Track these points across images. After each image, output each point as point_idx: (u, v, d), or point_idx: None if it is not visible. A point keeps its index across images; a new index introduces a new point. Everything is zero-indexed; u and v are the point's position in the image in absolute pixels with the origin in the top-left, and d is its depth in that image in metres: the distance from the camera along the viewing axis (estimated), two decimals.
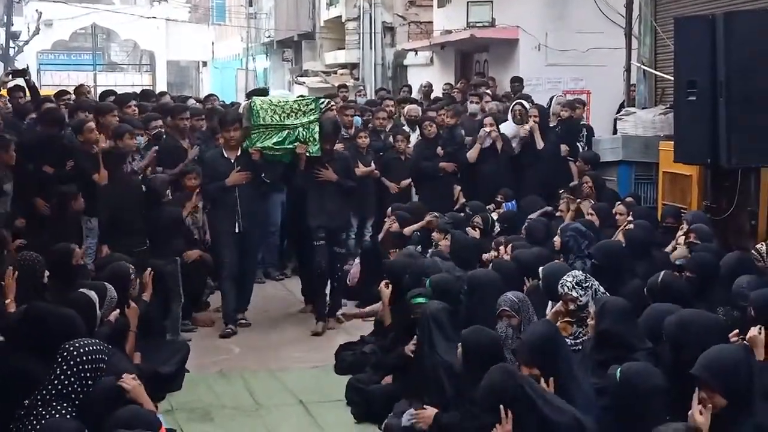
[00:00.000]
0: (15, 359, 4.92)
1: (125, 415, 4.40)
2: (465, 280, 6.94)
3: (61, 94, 13.21)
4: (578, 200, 10.24)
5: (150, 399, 5.02)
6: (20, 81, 12.36)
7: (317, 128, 9.36)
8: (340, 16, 23.77)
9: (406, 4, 22.05)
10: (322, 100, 9.88)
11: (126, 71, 49.41)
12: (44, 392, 4.53)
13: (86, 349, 4.63)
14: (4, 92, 13.11)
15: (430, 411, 5.83)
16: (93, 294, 5.95)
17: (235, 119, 9.45)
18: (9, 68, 19.46)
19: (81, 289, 6.03)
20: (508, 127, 11.80)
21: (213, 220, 9.66)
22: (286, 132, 9.33)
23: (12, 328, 5.21)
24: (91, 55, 47.02)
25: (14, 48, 36.38)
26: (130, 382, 4.86)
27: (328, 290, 9.57)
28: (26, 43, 38.07)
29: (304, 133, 9.34)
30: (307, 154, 9.34)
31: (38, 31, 38.62)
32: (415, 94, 16.74)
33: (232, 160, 9.39)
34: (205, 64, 46.26)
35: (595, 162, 11.53)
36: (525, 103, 12.09)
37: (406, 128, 12.34)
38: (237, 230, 9.32)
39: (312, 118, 9.40)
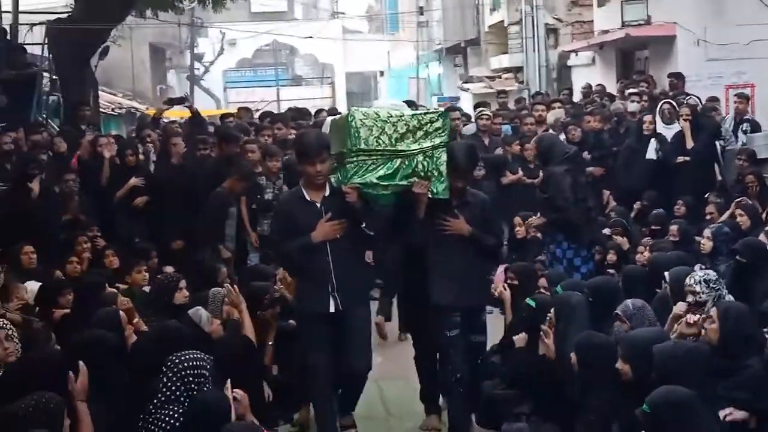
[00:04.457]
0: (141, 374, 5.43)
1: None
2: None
3: (225, 116, 14.01)
4: (738, 199, 9.99)
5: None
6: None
7: (444, 157, 6.47)
8: (503, 21, 23.86)
9: (568, 4, 21.93)
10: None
11: (311, 84, 50.97)
12: (160, 396, 5.04)
13: (188, 356, 5.11)
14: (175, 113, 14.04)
15: None
16: (202, 312, 6.40)
17: (322, 146, 6.30)
18: (167, 97, 20.61)
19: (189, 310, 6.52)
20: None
21: (296, 295, 6.86)
22: (399, 161, 6.36)
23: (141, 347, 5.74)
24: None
25: (198, 69, 38.10)
26: (240, 394, 5.31)
27: None
28: (212, 63, 39.80)
29: (426, 163, 6.40)
30: (430, 196, 6.45)
31: (222, 51, 40.29)
32: (577, 96, 16.81)
33: (318, 205, 6.34)
34: (382, 73, 47.13)
35: (753, 159, 11.28)
36: (673, 102, 12.01)
37: (552, 132, 12.37)
38: (332, 309, 6.30)
39: (437, 141, 6.45)
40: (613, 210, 10.74)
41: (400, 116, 6.43)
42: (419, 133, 6.41)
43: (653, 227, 10.21)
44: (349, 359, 6.35)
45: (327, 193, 6.36)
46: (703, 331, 5.72)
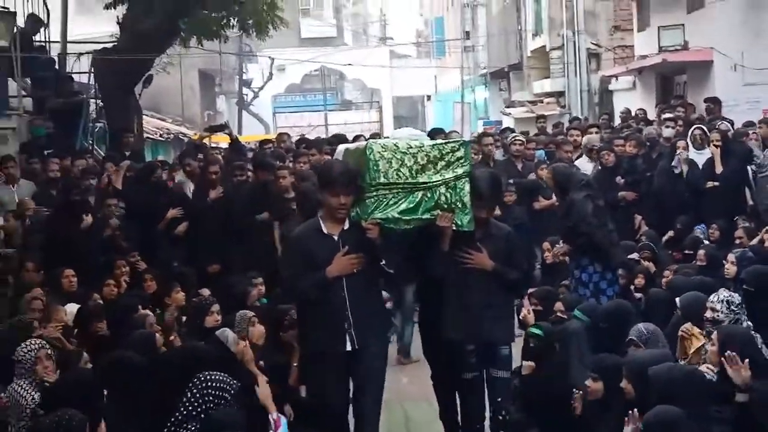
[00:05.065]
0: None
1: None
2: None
3: (264, 143, 14.31)
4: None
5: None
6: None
7: (468, 187, 6.26)
8: (545, 46, 24.00)
9: (610, 29, 22.05)
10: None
11: (360, 109, 51.35)
12: (182, 410, 5.25)
13: (214, 377, 5.33)
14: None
15: None
16: (228, 333, 6.62)
17: (350, 178, 6.06)
18: (208, 124, 21.04)
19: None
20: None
21: (307, 333, 6.35)
22: (420, 194, 6.12)
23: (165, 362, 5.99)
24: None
25: (247, 95, 38.55)
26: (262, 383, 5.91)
27: None
28: (261, 89, 40.29)
29: (449, 195, 6.17)
30: (454, 228, 6.26)
31: (271, 77, 40.75)
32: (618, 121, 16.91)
33: (336, 238, 6.11)
34: (429, 98, 47.38)
35: None
36: (704, 127, 12.07)
37: (585, 158, 12.45)
38: (348, 348, 6.06)
39: (460, 171, 6.21)
40: (644, 234, 10.82)
41: (420, 147, 6.20)
42: (440, 164, 6.16)
43: (686, 251, 10.27)
44: (364, 399, 6.12)
45: (346, 226, 6.12)
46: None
